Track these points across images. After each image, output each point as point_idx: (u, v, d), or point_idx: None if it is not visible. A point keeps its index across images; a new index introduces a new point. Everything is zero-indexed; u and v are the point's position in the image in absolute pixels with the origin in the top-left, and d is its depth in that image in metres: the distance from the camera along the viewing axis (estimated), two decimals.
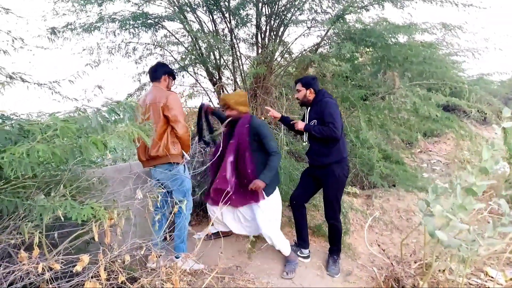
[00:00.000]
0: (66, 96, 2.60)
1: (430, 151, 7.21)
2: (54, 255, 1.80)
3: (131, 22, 4.30)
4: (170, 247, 2.78)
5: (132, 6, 4.36)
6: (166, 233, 2.60)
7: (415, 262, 2.99)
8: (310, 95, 3.00)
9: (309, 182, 3.12)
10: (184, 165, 2.85)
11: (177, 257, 2.74)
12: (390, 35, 4.13)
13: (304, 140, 3.10)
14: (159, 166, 2.74)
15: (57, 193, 1.74)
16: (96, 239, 1.76)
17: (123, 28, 4.30)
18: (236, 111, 2.90)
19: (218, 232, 3.22)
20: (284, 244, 2.96)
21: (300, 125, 2.95)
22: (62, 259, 1.82)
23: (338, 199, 2.99)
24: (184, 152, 2.82)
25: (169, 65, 4.06)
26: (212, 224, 3.20)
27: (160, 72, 2.87)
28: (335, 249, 3.08)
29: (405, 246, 3.31)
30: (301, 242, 3.21)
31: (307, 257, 3.18)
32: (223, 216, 3.12)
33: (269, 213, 2.89)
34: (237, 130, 2.89)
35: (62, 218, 1.60)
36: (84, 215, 1.49)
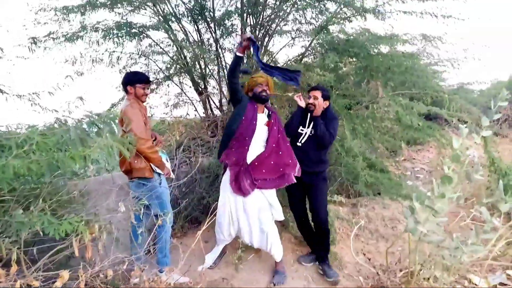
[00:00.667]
0: (46, 107, 2.54)
1: (414, 159, 7.33)
2: (33, 272, 1.74)
3: (115, 32, 4.26)
4: (154, 260, 2.73)
5: (115, 15, 4.34)
6: (149, 246, 2.55)
7: (401, 271, 3.00)
8: (324, 106, 3.01)
9: (301, 192, 3.14)
10: (160, 177, 2.77)
11: (161, 271, 2.68)
12: (373, 46, 4.22)
13: (299, 142, 3.05)
14: (132, 181, 2.64)
15: (36, 208, 1.68)
16: (77, 254, 1.71)
17: (107, 38, 4.26)
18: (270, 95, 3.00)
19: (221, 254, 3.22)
20: (280, 247, 2.98)
21: (318, 112, 2.97)
22: (41, 275, 1.76)
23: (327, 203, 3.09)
24: (153, 166, 2.68)
25: (147, 73, 4.02)
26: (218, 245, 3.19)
27: (124, 85, 2.68)
28: (326, 253, 3.09)
29: (390, 255, 3.32)
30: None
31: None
32: (240, 220, 2.92)
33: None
34: (273, 115, 2.94)
35: (41, 233, 1.55)
36: (62, 231, 1.44)
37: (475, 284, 2.74)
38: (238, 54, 2.63)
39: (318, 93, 3.00)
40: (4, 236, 1.54)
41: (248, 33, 2.85)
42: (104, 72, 4.73)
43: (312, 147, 3.00)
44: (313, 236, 3.19)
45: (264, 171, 2.85)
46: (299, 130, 3.07)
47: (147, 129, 2.67)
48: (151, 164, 2.64)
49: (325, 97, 3.00)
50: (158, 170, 2.72)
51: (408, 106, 4.31)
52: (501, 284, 2.77)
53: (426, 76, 4.85)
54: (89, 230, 1.75)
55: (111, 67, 4.72)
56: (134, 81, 2.66)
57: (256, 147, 2.87)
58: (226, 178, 2.93)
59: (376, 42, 4.26)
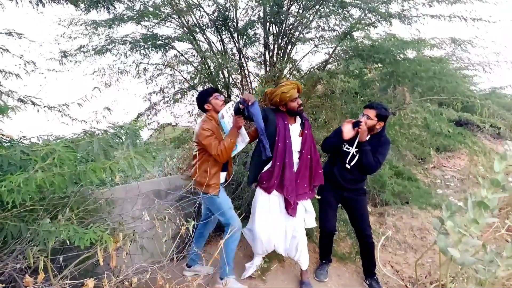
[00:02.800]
0: (75, 118, 2.64)
1: (444, 166, 7.06)
2: (60, 280, 1.79)
3: (142, 44, 4.40)
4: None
5: (142, 28, 4.47)
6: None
7: (431, 284, 2.88)
8: (378, 128, 2.76)
9: (336, 205, 3.06)
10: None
11: (221, 278, 2.80)
12: (399, 51, 4.12)
13: (347, 164, 2.84)
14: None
15: (64, 216, 1.74)
16: (101, 262, 1.75)
17: (134, 50, 4.40)
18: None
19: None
20: (307, 256, 2.92)
21: (364, 136, 2.72)
22: (67, 283, 1.80)
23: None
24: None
25: (172, 83, 4.11)
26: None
27: (201, 107, 2.84)
28: (374, 268, 2.97)
29: (420, 267, 3.20)
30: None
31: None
32: (274, 233, 2.83)
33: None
34: (307, 124, 2.80)
35: (68, 242, 1.60)
36: (86, 240, 1.48)
37: None
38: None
39: (371, 112, 2.72)
40: (32, 244, 1.59)
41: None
42: (131, 83, 4.88)
43: (355, 168, 2.84)
44: (361, 252, 3.03)
45: (305, 185, 2.79)
46: (345, 148, 2.89)
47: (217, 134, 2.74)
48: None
49: (381, 118, 2.71)
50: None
51: (437, 112, 4.18)
52: None
53: (455, 81, 4.68)
54: (114, 238, 1.79)
55: (138, 77, 4.87)
56: (207, 97, 2.78)
57: (294, 160, 2.76)
58: (262, 199, 2.81)
59: (402, 47, 4.16)
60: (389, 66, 4.33)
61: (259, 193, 2.83)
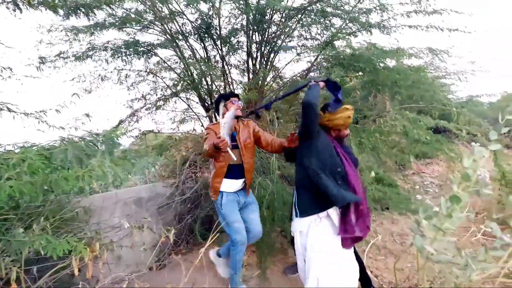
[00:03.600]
0: (53, 125, 2.59)
1: (423, 172, 7.21)
2: None
3: (123, 50, 4.37)
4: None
5: (124, 34, 4.45)
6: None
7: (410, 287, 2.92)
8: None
9: None
10: (222, 198, 2.75)
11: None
12: (378, 60, 4.22)
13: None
14: None
15: (38, 226, 1.70)
16: (77, 273, 1.71)
17: (116, 56, 4.36)
18: None
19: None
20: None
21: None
22: None
23: None
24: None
25: (155, 90, 4.08)
26: None
27: (217, 110, 2.84)
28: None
29: (399, 271, 3.24)
30: None
31: None
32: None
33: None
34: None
35: (42, 252, 1.56)
36: (60, 251, 1.44)
37: None
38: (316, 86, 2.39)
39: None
40: (4, 254, 1.55)
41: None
42: (112, 89, 4.83)
43: None
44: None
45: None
46: None
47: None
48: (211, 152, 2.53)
49: None
50: (222, 189, 2.74)
51: (415, 119, 4.28)
52: None
53: (433, 89, 4.82)
54: (90, 248, 1.76)
55: (119, 84, 4.82)
56: (223, 99, 2.78)
57: None
58: (326, 231, 2.28)
59: (382, 56, 4.27)
60: (370, 74, 4.43)
61: (326, 225, 2.31)
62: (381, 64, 4.32)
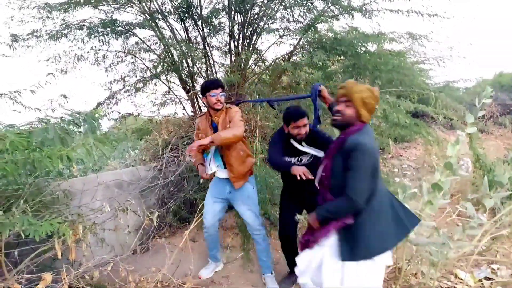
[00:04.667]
0: (29, 106, 2.48)
1: (401, 156, 7.41)
2: (14, 274, 1.70)
3: (100, 29, 4.20)
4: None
5: (100, 13, 4.27)
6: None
7: (389, 267, 3.03)
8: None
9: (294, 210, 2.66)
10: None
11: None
12: (360, 44, 4.24)
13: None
14: None
15: (18, 209, 1.64)
16: (59, 255, 1.68)
17: (92, 36, 4.19)
18: (354, 112, 1.80)
19: None
20: None
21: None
22: (23, 278, 1.72)
23: None
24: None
25: (133, 71, 3.97)
26: None
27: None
28: None
29: None
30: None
31: None
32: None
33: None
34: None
35: (23, 235, 1.51)
36: (42, 232, 1.41)
37: (461, 279, 2.78)
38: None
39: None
40: None
41: None
42: (90, 70, 4.65)
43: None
44: None
45: None
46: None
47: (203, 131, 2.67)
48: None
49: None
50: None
51: (395, 104, 4.35)
52: (486, 278, 2.82)
53: (412, 74, 4.92)
54: (73, 231, 1.72)
55: (97, 65, 4.65)
56: (204, 91, 2.59)
57: None
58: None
59: (364, 41, 4.30)
60: (351, 58, 4.46)
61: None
62: (363, 48, 4.36)
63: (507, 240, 2.99)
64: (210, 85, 2.55)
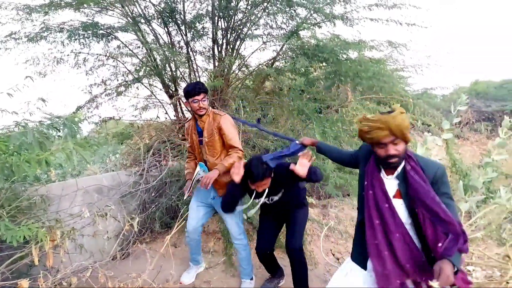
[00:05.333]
0: (5, 110, 2.42)
1: None
2: None
3: (81, 32, 4.14)
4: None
5: (81, 15, 4.22)
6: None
7: None
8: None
9: (272, 226, 2.78)
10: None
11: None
12: (341, 51, 4.33)
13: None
14: None
15: None
16: (37, 262, 1.64)
17: (73, 38, 4.13)
18: (404, 144, 1.64)
19: None
20: None
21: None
22: None
23: None
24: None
25: (115, 75, 3.94)
26: None
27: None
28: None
29: None
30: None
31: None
32: None
33: None
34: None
35: None
36: (20, 237, 1.37)
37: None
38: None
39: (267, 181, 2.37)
40: None
41: None
42: (70, 74, 4.57)
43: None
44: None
45: None
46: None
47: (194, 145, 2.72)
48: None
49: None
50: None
51: (375, 110, 4.45)
52: None
53: (392, 81, 5.04)
54: (51, 236, 1.69)
55: (77, 68, 4.58)
56: (187, 96, 2.56)
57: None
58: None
59: (345, 48, 4.38)
60: (333, 65, 4.54)
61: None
62: (344, 56, 4.44)
63: (482, 242, 3.09)
64: (192, 91, 2.52)
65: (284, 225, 2.78)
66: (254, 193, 2.47)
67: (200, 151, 2.68)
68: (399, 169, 1.71)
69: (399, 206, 1.68)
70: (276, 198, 2.52)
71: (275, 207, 2.58)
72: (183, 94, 2.69)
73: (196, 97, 2.52)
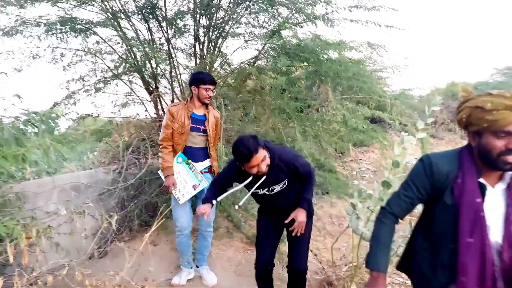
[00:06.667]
0: None
1: (360, 159, 7.72)
2: None
3: (59, 27, 4.04)
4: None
5: (59, 10, 4.11)
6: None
7: (345, 265, 3.16)
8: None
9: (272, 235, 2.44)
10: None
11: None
12: (322, 52, 4.39)
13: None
14: None
15: None
16: (12, 260, 1.60)
17: (50, 33, 4.02)
18: None
19: None
20: None
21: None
22: None
23: None
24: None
25: (94, 71, 3.87)
26: None
27: (189, 85, 2.76)
28: None
29: (336, 250, 3.47)
30: None
31: None
32: None
33: None
34: None
35: None
36: None
37: None
38: None
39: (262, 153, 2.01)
40: None
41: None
42: (47, 69, 4.45)
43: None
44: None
45: None
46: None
47: (184, 130, 2.69)
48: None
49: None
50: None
51: (354, 110, 4.55)
52: None
53: (371, 82, 5.14)
54: (26, 234, 1.66)
55: (54, 63, 4.46)
56: (198, 82, 2.68)
57: None
58: None
59: (325, 48, 4.46)
60: (314, 65, 4.60)
61: None
62: (325, 56, 4.50)
63: None
64: (207, 79, 2.67)
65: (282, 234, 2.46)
66: (250, 179, 2.13)
67: (186, 138, 2.72)
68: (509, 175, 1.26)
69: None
70: (277, 188, 2.19)
71: (275, 204, 2.27)
72: (193, 78, 2.75)
73: (210, 86, 2.68)
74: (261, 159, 1.97)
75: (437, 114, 10.68)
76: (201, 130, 2.76)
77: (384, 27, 4.55)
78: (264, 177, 2.10)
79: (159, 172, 2.73)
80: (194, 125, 2.73)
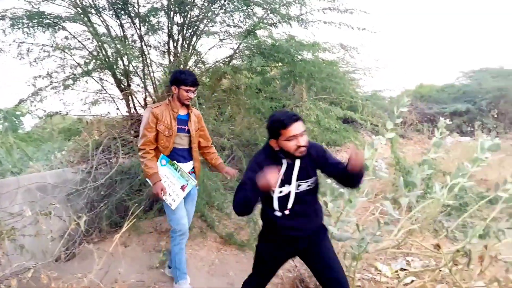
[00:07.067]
0: None
1: None
2: None
3: (25, 21, 3.87)
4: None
5: (25, 4, 3.95)
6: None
7: None
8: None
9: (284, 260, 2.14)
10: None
11: (175, 283, 2.75)
12: (296, 52, 4.44)
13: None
14: None
15: None
16: None
17: (15, 27, 3.85)
18: None
19: None
20: None
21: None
22: None
23: None
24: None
25: (62, 68, 3.75)
26: None
27: (170, 84, 2.64)
28: None
29: None
30: None
31: None
32: None
33: None
34: None
35: None
36: None
37: (380, 271, 3.05)
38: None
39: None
40: None
41: None
42: (12, 65, 4.26)
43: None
44: None
45: None
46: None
47: (172, 132, 2.58)
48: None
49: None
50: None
51: (327, 110, 4.63)
52: (402, 269, 3.12)
53: (344, 83, 5.26)
54: None
55: (20, 59, 4.27)
56: (179, 82, 2.56)
57: None
58: None
59: (300, 49, 4.51)
60: (288, 65, 4.65)
61: None
62: (299, 56, 4.56)
63: (420, 234, 3.34)
64: (189, 80, 2.55)
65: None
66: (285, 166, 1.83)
67: (174, 141, 2.63)
68: None
69: None
70: (304, 186, 1.88)
71: (292, 226, 1.89)
72: (174, 76, 2.63)
73: (191, 88, 2.57)
74: (303, 130, 1.75)
75: (406, 115, 11.05)
76: (186, 130, 2.68)
77: (357, 29, 4.66)
78: (299, 162, 1.82)
79: (147, 179, 2.58)
80: (179, 126, 2.65)
